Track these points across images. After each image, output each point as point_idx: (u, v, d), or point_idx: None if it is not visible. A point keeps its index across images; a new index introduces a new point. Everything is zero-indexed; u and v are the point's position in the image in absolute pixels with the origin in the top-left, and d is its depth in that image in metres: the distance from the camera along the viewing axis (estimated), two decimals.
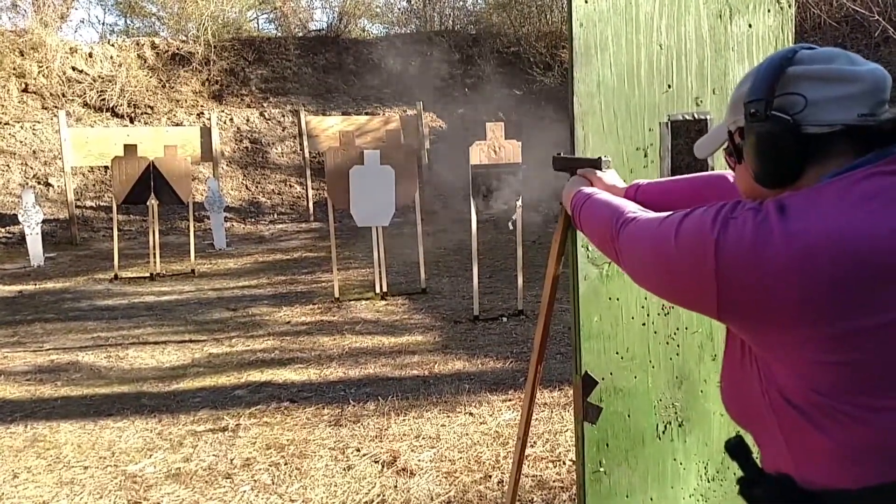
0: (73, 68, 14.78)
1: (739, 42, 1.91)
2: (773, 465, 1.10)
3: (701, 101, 1.88)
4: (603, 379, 1.87)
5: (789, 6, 1.98)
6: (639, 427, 1.90)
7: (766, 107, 1.04)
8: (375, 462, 3.41)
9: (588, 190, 1.52)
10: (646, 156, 1.85)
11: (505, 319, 6.22)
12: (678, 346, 1.92)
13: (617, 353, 1.88)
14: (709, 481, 1.99)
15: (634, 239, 1.21)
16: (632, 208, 1.32)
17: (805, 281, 0.94)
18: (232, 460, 3.51)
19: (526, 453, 3.42)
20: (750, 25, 1.92)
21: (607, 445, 1.88)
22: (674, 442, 1.94)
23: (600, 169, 1.66)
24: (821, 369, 0.98)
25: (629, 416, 1.89)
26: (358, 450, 3.56)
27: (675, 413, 1.93)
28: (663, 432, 1.92)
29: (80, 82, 14.61)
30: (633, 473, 1.90)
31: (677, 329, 1.92)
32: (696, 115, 1.88)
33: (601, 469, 1.87)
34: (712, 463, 1.99)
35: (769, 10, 1.95)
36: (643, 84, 1.81)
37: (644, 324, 1.89)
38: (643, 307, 1.89)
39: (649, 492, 1.92)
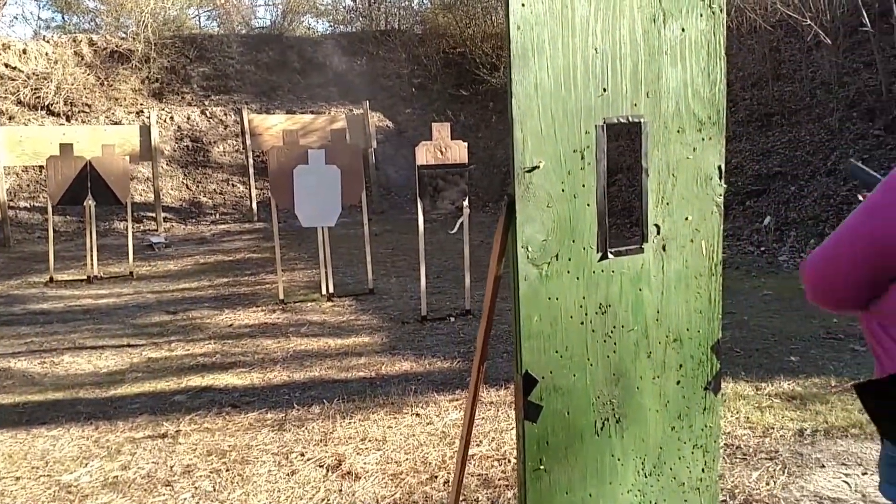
0: (6, 65, 14.25)
1: (673, 46, 1.95)
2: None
3: (636, 105, 1.92)
4: (543, 378, 1.89)
5: (721, 10, 2.03)
6: (578, 424, 1.92)
7: None
8: (320, 466, 3.38)
9: None
10: (583, 158, 1.87)
11: (453, 319, 6.24)
12: (615, 343, 1.96)
13: (556, 351, 1.90)
14: (646, 476, 2.03)
15: (817, 252, 1.38)
16: None
17: None
18: (172, 467, 3.44)
19: (472, 452, 3.44)
20: (683, 29, 1.96)
21: (547, 443, 1.90)
22: (611, 438, 1.97)
23: None
24: None
25: (568, 413, 1.92)
26: (302, 454, 3.52)
27: (613, 410, 1.97)
28: (601, 429, 1.95)
29: (13, 79, 14.10)
30: (572, 470, 1.92)
31: (614, 327, 1.95)
32: (630, 119, 1.91)
33: (542, 467, 1.89)
34: (649, 458, 2.03)
35: (701, 15, 2.00)
36: (579, 87, 1.84)
37: (582, 322, 1.92)
38: (581, 306, 1.92)
39: (588, 488, 1.95)
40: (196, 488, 3.22)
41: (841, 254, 1.34)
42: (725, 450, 3.40)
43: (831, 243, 1.35)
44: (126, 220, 9.44)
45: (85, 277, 8.52)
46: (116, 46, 15.55)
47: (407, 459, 3.42)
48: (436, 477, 3.23)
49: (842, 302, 1.39)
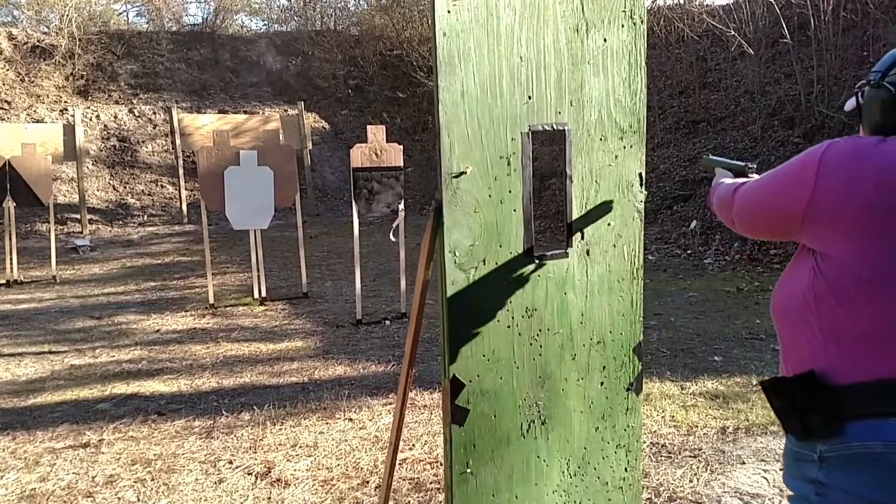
0: None
1: (595, 56, 1.99)
2: (801, 366, 1.40)
3: (560, 113, 1.95)
4: (470, 381, 1.91)
5: (641, 22, 2.09)
6: (504, 427, 1.95)
7: (881, 78, 1.43)
8: (248, 474, 3.32)
9: (725, 180, 1.86)
10: (509, 164, 1.90)
11: (388, 322, 6.23)
12: (541, 346, 1.99)
13: (483, 355, 1.92)
14: (571, 477, 2.07)
15: (747, 188, 1.59)
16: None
17: (880, 182, 1.29)
18: (94, 478, 3.32)
19: (404, 456, 3.44)
20: (605, 40, 2.01)
21: (474, 446, 1.92)
22: (537, 440, 2.00)
23: (746, 175, 1.97)
24: (871, 254, 1.30)
25: (495, 416, 1.94)
26: (230, 462, 3.45)
27: (538, 412, 2.00)
28: (527, 431, 1.98)
29: None
30: (498, 472, 1.94)
31: (540, 330, 1.98)
32: (554, 126, 1.95)
33: (468, 470, 1.91)
34: (574, 459, 2.07)
35: (623, 26, 2.05)
36: (505, 95, 1.86)
37: (509, 326, 1.95)
38: (508, 310, 1.94)
39: (514, 490, 1.97)
40: (119, 499, 3.12)
41: (763, 197, 1.53)
42: (651, 448, 3.49)
43: (757, 186, 1.56)
44: (49, 222, 9.08)
45: (4, 281, 8.17)
46: (38, 41, 14.95)
47: (338, 465, 3.39)
48: (367, 482, 3.22)
49: (755, 231, 1.64)
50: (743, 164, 2.02)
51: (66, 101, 14.35)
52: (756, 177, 1.91)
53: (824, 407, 1.34)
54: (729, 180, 1.83)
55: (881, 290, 1.30)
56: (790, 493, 1.46)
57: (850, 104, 1.57)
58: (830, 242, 1.36)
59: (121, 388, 4.60)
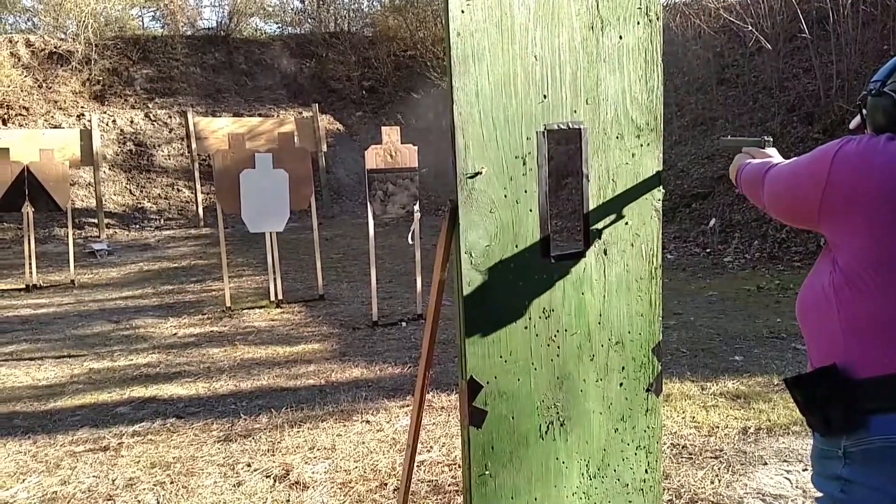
0: None
1: (611, 53, 1.97)
2: (823, 360, 1.40)
3: (575, 111, 1.93)
4: (488, 383, 1.89)
5: (657, 18, 2.06)
6: (522, 429, 1.93)
7: (881, 86, 1.47)
8: (267, 477, 3.32)
9: (750, 160, 1.92)
10: (524, 164, 1.88)
11: (404, 324, 6.22)
12: (558, 347, 1.97)
13: (501, 356, 1.91)
14: (590, 479, 2.05)
15: (777, 171, 1.63)
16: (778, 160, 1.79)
17: (888, 177, 1.32)
18: (114, 481, 3.34)
19: (422, 458, 3.43)
20: (621, 37, 1.99)
21: (492, 448, 1.90)
22: (556, 441, 1.98)
23: (763, 147, 2.01)
24: (881, 243, 1.32)
25: (513, 418, 1.92)
26: (249, 465, 3.45)
27: (557, 413, 1.98)
28: (546, 432, 1.96)
29: None
30: (517, 475, 1.93)
31: (557, 331, 1.96)
32: (570, 125, 1.93)
33: (487, 472, 1.89)
34: (593, 461, 2.04)
35: (639, 23, 2.02)
36: (520, 94, 1.85)
37: (526, 327, 1.93)
38: (525, 311, 1.92)
39: (533, 492, 1.95)
40: (139, 502, 3.13)
41: (784, 189, 1.58)
42: (672, 449, 3.46)
43: (781, 177, 1.60)
44: (67, 227, 9.16)
45: (24, 286, 8.26)
46: (55, 47, 15.10)
47: (356, 467, 3.39)
48: (385, 484, 3.21)
49: (783, 219, 1.67)
50: (759, 138, 2.06)
51: (82, 107, 14.49)
52: (774, 150, 1.96)
53: (844, 400, 1.34)
54: (755, 160, 1.87)
55: (891, 277, 1.30)
56: (818, 494, 1.44)
57: (856, 122, 1.60)
58: (844, 234, 1.38)
59: (139, 392, 4.63)
